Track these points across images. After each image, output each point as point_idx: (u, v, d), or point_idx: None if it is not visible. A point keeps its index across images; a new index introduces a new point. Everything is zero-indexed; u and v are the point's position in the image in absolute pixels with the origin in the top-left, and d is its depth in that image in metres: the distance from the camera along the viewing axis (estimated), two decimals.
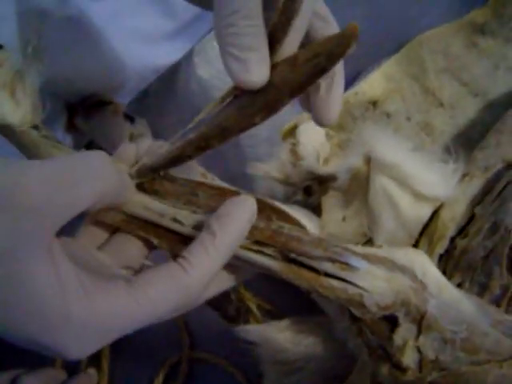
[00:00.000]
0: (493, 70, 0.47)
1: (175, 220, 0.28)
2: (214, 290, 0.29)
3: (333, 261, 0.28)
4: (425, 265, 0.30)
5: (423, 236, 0.39)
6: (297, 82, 0.27)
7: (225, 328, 0.42)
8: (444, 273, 0.39)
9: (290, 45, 0.28)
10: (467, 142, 0.44)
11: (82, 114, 0.44)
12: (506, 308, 0.36)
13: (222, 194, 0.31)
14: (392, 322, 0.29)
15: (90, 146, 0.49)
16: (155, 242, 0.29)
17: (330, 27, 0.32)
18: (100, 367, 0.44)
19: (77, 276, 0.23)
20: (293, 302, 0.30)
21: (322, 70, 0.27)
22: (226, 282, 0.29)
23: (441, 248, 0.38)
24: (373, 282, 0.28)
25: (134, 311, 0.24)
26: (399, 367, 0.29)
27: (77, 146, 0.48)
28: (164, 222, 0.28)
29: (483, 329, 0.28)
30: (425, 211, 0.39)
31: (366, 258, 0.29)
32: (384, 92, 0.47)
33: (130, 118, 0.44)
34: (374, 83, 0.47)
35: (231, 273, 0.29)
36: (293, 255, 0.28)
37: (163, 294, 0.24)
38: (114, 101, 0.44)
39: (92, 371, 0.43)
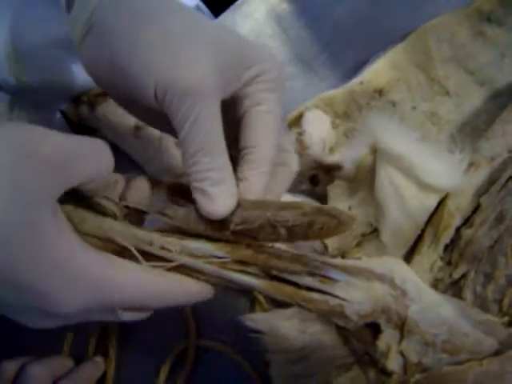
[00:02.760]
0: (499, 58, 0.47)
1: (163, 248, 0.30)
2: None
3: (313, 275, 0.29)
4: (404, 272, 0.31)
5: (429, 226, 0.39)
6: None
7: (231, 316, 0.42)
8: (449, 263, 0.39)
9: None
10: (473, 130, 0.44)
11: (87, 104, 0.44)
12: (511, 298, 0.36)
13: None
14: (375, 328, 0.30)
15: (94, 135, 0.49)
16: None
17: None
18: (107, 355, 0.44)
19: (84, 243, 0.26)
20: None
21: (295, 236, 0.29)
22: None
23: (446, 238, 0.39)
24: (352, 293, 0.29)
25: (116, 281, 0.26)
26: (385, 372, 0.30)
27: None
28: (152, 250, 0.30)
29: (463, 330, 0.29)
30: (431, 201, 0.39)
31: (344, 269, 0.30)
32: (389, 81, 0.47)
33: None
34: (379, 72, 0.47)
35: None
36: (274, 272, 0.29)
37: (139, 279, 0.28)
38: None
39: (99, 359, 0.44)
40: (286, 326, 0.41)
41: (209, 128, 0.28)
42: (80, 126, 0.48)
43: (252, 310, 0.44)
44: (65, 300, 0.25)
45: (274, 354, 0.41)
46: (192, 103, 0.28)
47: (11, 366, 0.41)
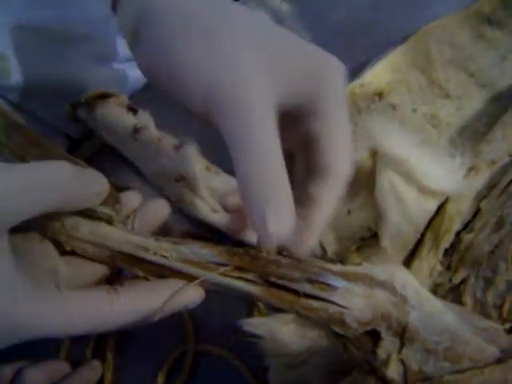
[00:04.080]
0: (500, 61, 0.46)
1: (158, 253, 0.30)
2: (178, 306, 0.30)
3: (311, 282, 0.29)
4: (405, 279, 0.30)
5: (429, 230, 0.39)
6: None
7: (229, 321, 0.42)
8: (449, 267, 0.39)
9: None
10: (473, 133, 0.44)
11: (85, 105, 0.43)
12: (511, 303, 0.36)
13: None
14: (375, 336, 0.30)
15: (91, 137, 0.48)
16: (140, 274, 0.30)
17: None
18: (105, 359, 0.44)
19: (12, 279, 0.25)
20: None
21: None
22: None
23: (446, 242, 0.38)
24: (352, 300, 0.29)
25: (53, 322, 0.25)
26: (385, 380, 0.30)
27: (77, 137, 0.47)
28: (148, 256, 0.30)
29: (465, 337, 0.29)
30: (431, 205, 0.39)
31: (344, 276, 0.29)
32: (390, 83, 0.46)
33: (133, 110, 0.44)
34: (379, 74, 0.46)
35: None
36: (272, 279, 0.29)
37: (83, 316, 0.26)
38: (117, 93, 0.44)
39: (96, 363, 0.43)
40: (285, 331, 0.40)
41: (265, 142, 0.26)
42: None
43: (251, 314, 0.44)
44: None
45: (273, 359, 0.40)
46: (242, 118, 0.26)
47: (7, 370, 0.41)
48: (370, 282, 0.29)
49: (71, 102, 0.44)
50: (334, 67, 0.30)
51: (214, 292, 0.31)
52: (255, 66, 0.27)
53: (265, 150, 0.26)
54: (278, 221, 0.26)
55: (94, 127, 0.45)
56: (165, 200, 0.34)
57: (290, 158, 0.31)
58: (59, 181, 0.26)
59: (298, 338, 0.40)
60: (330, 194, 0.30)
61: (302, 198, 0.31)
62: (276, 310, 0.43)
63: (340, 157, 0.30)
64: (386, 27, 0.49)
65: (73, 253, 0.30)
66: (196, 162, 0.42)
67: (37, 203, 0.25)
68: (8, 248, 0.25)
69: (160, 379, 0.43)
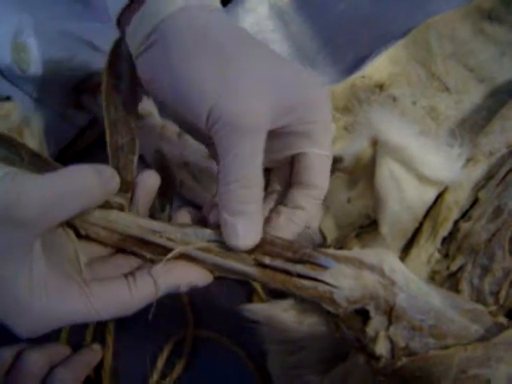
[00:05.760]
0: (499, 56, 0.47)
1: (164, 236, 0.31)
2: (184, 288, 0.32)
3: (303, 262, 0.30)
4: (393, 263, 0.31)
5: (427, 219, 0.40)
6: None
7: (229, 306, 0.42)
8: (447, 255, 0.39)
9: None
10: (472, 127, 0.45)
11: (89, 92, 0.44)
12: (508, 290, 0.36)
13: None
14: (364, 315, 0.31)
15: (95, 123, 0.49)
16: (148, 257, 0.32)
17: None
18: (104, 343, 0.44)
19: (45, 277, 0.28)
20: None
21: None
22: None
23: (444, 231, 0.39)
24: (342, 280, 0.30)
25: (80, 313, 0.29)
26: (373, 356, 0.31)
27: (81, 125, 0.48)
28: (155, 239, 0.31)
29: (450, 316, 0.30)
30: (429, 194, 0.39)
31: (335, 258, 0.31)
32: (390, 76, 0.47)
33: None
34: (380, 67, 0.47)
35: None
36: (267, 261, 0.31)
37: (106, 305, 0.29)
38: None
39: (96, 346, 0.44)
40: (283, 317, 0.40)
41: (249, 164, 0.29)
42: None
43: (250, 300, 0.44)
44: (28, 333, 0.28)
45: (272, 345, 0.41)
46: (238, 139, 0.29)
47: (7, 353, 0.41)
48: (360, 264, 0.31)
49: (76, 89, 0.44)
50: (325, 95, 0.33)
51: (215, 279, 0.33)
52: (256, 93, 0.29)
53: (250, 171, 0.30)
54: (247, 235, 0.30)
55: (97, 114, 0.46)
56: (153, 171, 0.35)
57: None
58: (87, 186, 0.29)
59: (296, 324, 0.40)
60: (314, 204, 0.34)
61: (286, 202, 0.34)
62: (275, 296, 0.44)
63: (324, 174, 0.34)
64: (388, 21, 0.49)
65: (87, 237, 0.32)
66: (199, 150, 0.42)
67: (70, 209, 0.28)
68: (41, 250, 0.28)
69: (159, 364, 0.43)
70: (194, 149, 0.43)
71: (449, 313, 0.30)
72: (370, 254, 0.32)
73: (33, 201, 0.26)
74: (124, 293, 0.30)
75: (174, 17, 0.30)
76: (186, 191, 0.43)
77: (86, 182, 0.29)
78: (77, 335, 0.45)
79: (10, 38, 0.44)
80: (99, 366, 0.44)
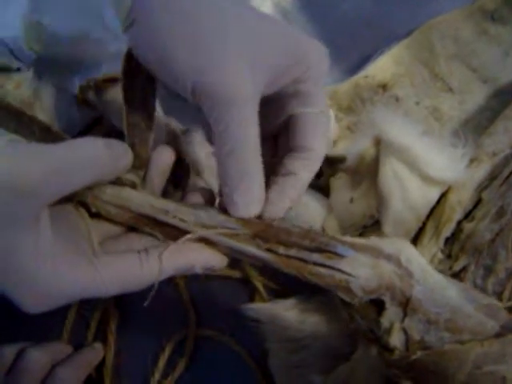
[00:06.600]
0: (502, 56, 0.47)
1: (177, 217, 0.31)
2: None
3: (320, 251, 0.30)
4: (411, 254, 0.31)
5: (430, 219, 0.40)
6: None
7: (231, 305, 0.42)
8: (450, 255, 0.39)
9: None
10: (475, 127, 0.45)
11: (95, 89, 0.44)
12: (511, 290, 0.36)
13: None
14: (379, 306, 0.30)
15: (100, 120, 0.49)
16: (160, 236, 0.31)
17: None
18: (106, 342, 0.44)
19: (52, 247, 0.27)
20: (298, 280, 0.31)
21: None
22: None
23: (447, 231, 0.39)
24: (358, 269, 0.30)
25: (88, 285, 0.28)
26: (387, 348, 0.30)
27: (86, 121, 0.48)
28: (168, 219, 0.31)
29: (466, 311, 0.30)
30: (433, 194, 0.39)
31: (352, 246, 0.30)
32: (393, 76, 0.47)
33: None
34: (383, 67, 0.47)
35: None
36: (281, 250, 0.30)
37: (116, 278, 0.28)
38: None
39: (98, 345, 0.44)
40: (285, 316, 0.41)
41: (241, 134, 0.28)
42: None
43: (252, 299, 0.44)
44: (34, 306, 0.27)
45: (274, 344, 0.41)
46: (224, 110, 0.28)
47: (9, 351, 0.41)
48: (378, 254, 0.30)
49: (81, 85, 0.44)
50: (318, 53, 0.32)
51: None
52: (242, 56, 0.28)
53: (243, 140, 0.28)
54: (246, 206, 0.30)
55: (102, 111, 0.45)
56: (168, 146, 0.35)
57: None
58: (96, 158, 0.28)
59: (298, 323, 0.41)
60: (308, 169, 0.32)
61: (281, 171, 0.33)
62: (277, 295, 0.44)
63: (319, 137, 0.32)
64: (391, 21, 0.49)
65: (98, 215, 0.32)
66: (201, 147, 0.42)
67: (77, 181, 0.27)
68: (48, 221, 0.27)
69: (161, 363, 0.43)
70: (198, 145, 0.43)
71: (465, 307, 0.30)
72: (387, 244, 0.31)
73: (35, 170, 0.25)
74: (135, 267, 0.29)
75: None
76: (189, 188, 0.43)
77: (95, 154, 0.28)
78: (78, 334, 0.45)
79: (23, 16, 0.42)
80: (101, 365, 0.44)
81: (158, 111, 0.43)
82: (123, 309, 0.45)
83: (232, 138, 0.28)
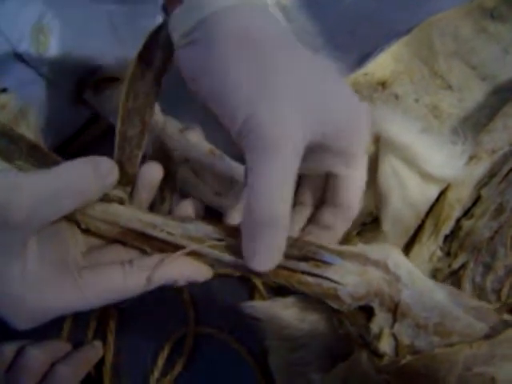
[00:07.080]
0: (502, 54, 0.47)
1: (165, 230, 0.31)
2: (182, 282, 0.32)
3: (307, 259, 0.30)
4: (398, 259, 0.31)
5: (429, 216, 0.40)
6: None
7: (230, 303, 0.42)
8: (449, 253, 0.39)
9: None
10: (475, 125, 0.45)
11: (92, 88, 0.44)
12: (510, 288, 0.36)
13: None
14: (368, 312, 0.31)
15: (96, 119, 0.49)
16: (148, 250, 0.31)
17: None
18: (105, 340, 0.44)
19: (38, 272, 0.28)
20: None
21: None
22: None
23: (446, 228, 0.39)
24: (346, 276, 0.30)
25: (73, 304, 0.29)
26: (377, 354, 0.30)
27: (82, 120, 0.48)
28: (156, 233, 0.31)
29: (455, 314, 0.30)
30: (432, 192, 0.39)
31: (339, 254, 0.31)
32: (393, 73, 0.47)
33: None
34: (383, 64, 0.47)
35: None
36: None
37: (99, 292, 0.29)
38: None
39: (97, 343, 0.44)
40: (285, 315, 0.40)
41: (279, 179, 0.28)
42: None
43: (251, 297, 0.44)
44: (23, 324, 0.29)
45: (273, 342, 0.41)
46: (269, 149, 0.27)
47: (8, 349, 0.41)
48: (365, 260, 0.31)
49: (78, 83, 0.44)
50: (364, 113, 0.32)
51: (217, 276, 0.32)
52: (294, 104, 0.28)
53: (280, 185, 0.28)
54: (266, 259, 0.29)
55: (100, 110, 0.45)
56: (156, 163, 0.35)
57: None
58: (83, 182, 0.28)
59: (298, 321, 0.40)
60: (345, 225, 0.34)
61: (316, 220, 0.34)
62: (276, 293, 0.44)
63: (358, 195, 0.34)
64: (390, 18, 0.49)
65: (87, 231, 0.32)
66: (200, 146, 0.42)
67: (65, 207, 0.28)
68: (35, 247, 0.28)
69: (160, 361, 0.43)
70: (195, 145, 0.43)
71: (454, 310, 0.30)
72: (374, 250, 0.31)
73: (23, 202, 0.26)
74: (117, 280, 0.29)
75: (219, 15, 0.29)
76: (186, 187, 0.43)
77: (81, 178, 0.28)
78: (78, 332, 0.45)
79: (32, 20, 0.43)
80: (100, 363, 0.44)
81: (156, 110, 0.43)
82: (122, 307, 0.45)
83: (269, 181, 0.27)
